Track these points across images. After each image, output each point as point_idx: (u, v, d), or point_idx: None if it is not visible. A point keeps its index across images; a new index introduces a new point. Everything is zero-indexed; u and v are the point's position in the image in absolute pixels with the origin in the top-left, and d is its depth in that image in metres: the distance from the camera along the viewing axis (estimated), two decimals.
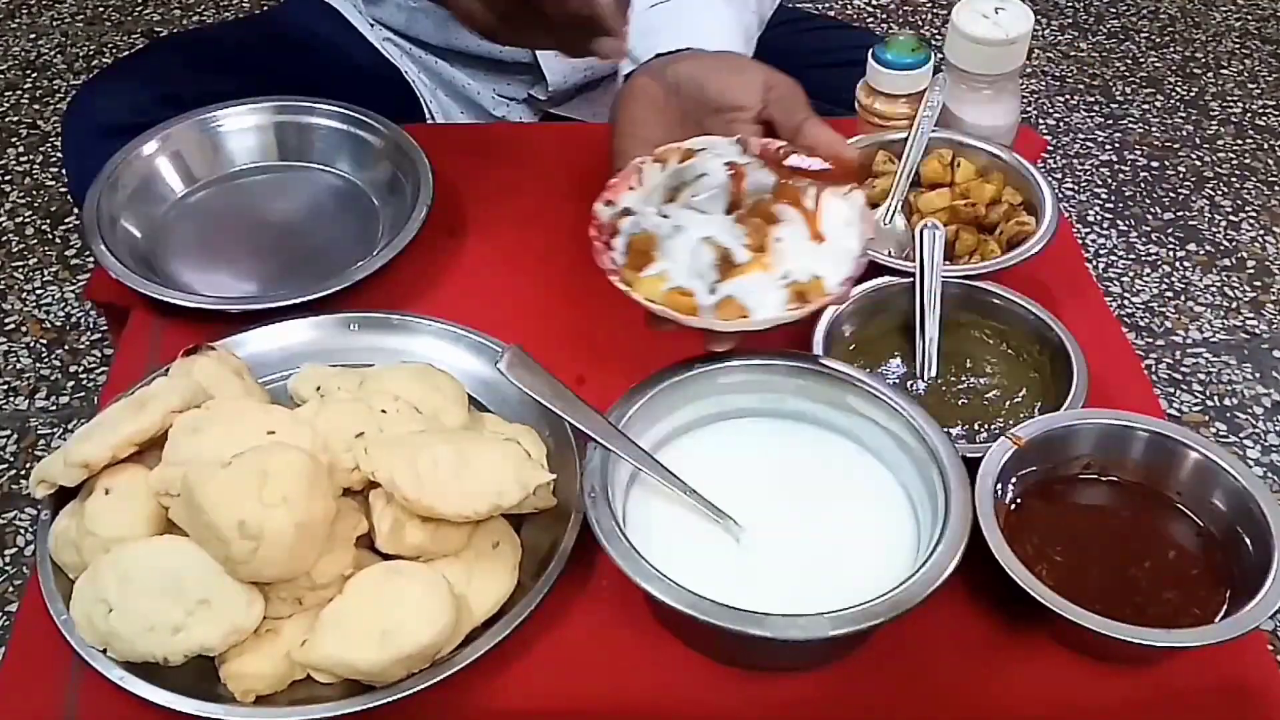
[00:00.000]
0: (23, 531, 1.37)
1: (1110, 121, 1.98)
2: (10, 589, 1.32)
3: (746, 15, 0.88)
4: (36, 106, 1.96)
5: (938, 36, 2.04)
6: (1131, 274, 1.72)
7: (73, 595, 0.63)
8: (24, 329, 1.61)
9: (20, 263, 1.70)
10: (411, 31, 1.06)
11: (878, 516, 0.67)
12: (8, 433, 1.48)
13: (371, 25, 1.08)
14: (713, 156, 0.73)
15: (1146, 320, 1.65)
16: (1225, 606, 0.64)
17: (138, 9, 2.18)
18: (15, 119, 1.94)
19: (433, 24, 1.04)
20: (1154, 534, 0.68)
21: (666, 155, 0.73)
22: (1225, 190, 1.85)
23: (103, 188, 0.88)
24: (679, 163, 0.73)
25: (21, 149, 1.88)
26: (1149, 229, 1.79)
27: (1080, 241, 1.72)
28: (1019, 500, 0.68)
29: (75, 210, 1.63)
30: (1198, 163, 1.90)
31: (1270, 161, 1.90)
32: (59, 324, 1.61)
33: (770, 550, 0.66)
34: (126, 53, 2.00)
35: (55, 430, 1.48)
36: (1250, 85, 2.05)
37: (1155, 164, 1.89)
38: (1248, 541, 0.65)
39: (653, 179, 0.73)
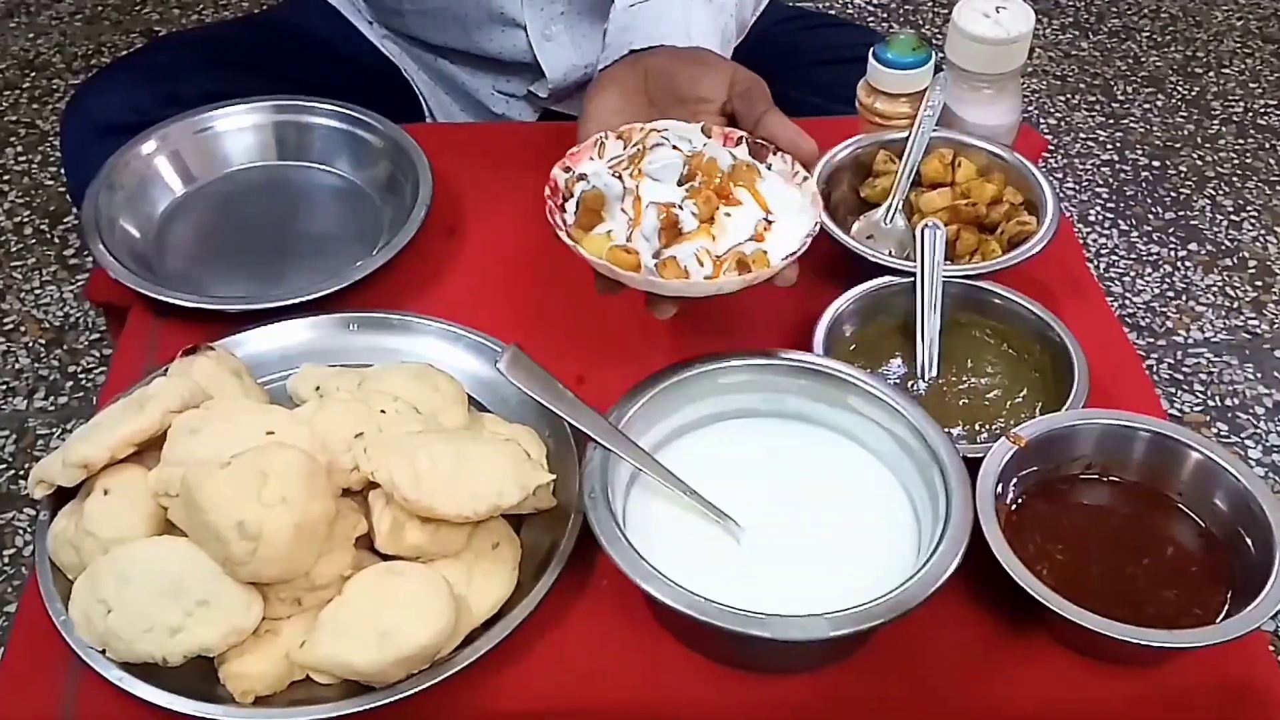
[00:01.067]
0: (21, 532, 1.37)
1: (1111, 121, 1.97)
2: (9, 589, 1.32)
3: (723, 18, 0.90)
4: (35, 106, 1.96)
5: (939, 36, 2.04)
6: (1133, 274, 1.72)
7: (71, 596, 0.63)
8: (22, 329, 1.61)
9: (19, 262, 1.70)
10: (412, 31, 1.06)
11: (878, 517, 0.67)
12: (6, 433, 1.48)
13: (370, 24, 1.08)
14: (675, 137, 0.76)
15: (1148, 320, 1.65)
16: (1226, 607, 0.63)
17: (136, 8, 2.18)
18: (14, 118, 1.94)
19: (434, 21, 1.04)
20: (1155, 534, 0.67)
21: (629, 133, 0.76)
22: (1227, 190, 1.85)
23: (101, 187, 0.88)
24: (642, 138, 0.75)
25: (20, 148, 1.88)
26: (1150, 229, 1.79)
27: (1081, 241, 1.72)
28: (1020, 500, 0.68)
29: (74, 210, 1.63)
30: (1199, 162, 1.89)
31: (1272, 161, 1.90)
32: (57, 324, 1.61)
33: (770, 550, 0.65)
34: (125, 52, 2.00)
35: (54, 430, 1.48)
36: (1252, 85, 2.05)
37: (1156, 163, 1.89)
38: (1249, 542, 0.65)
39: (613, 153, 0.76)
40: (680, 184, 0.73)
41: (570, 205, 0.73)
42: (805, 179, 0.75)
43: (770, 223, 0.72)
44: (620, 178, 0.73)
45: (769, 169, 0.76)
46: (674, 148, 0.75)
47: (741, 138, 0.77)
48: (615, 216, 0.72)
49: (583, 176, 0.74)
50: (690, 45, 0.83)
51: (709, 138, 0.77)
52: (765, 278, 0.70)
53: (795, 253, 0.71)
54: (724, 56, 0.84)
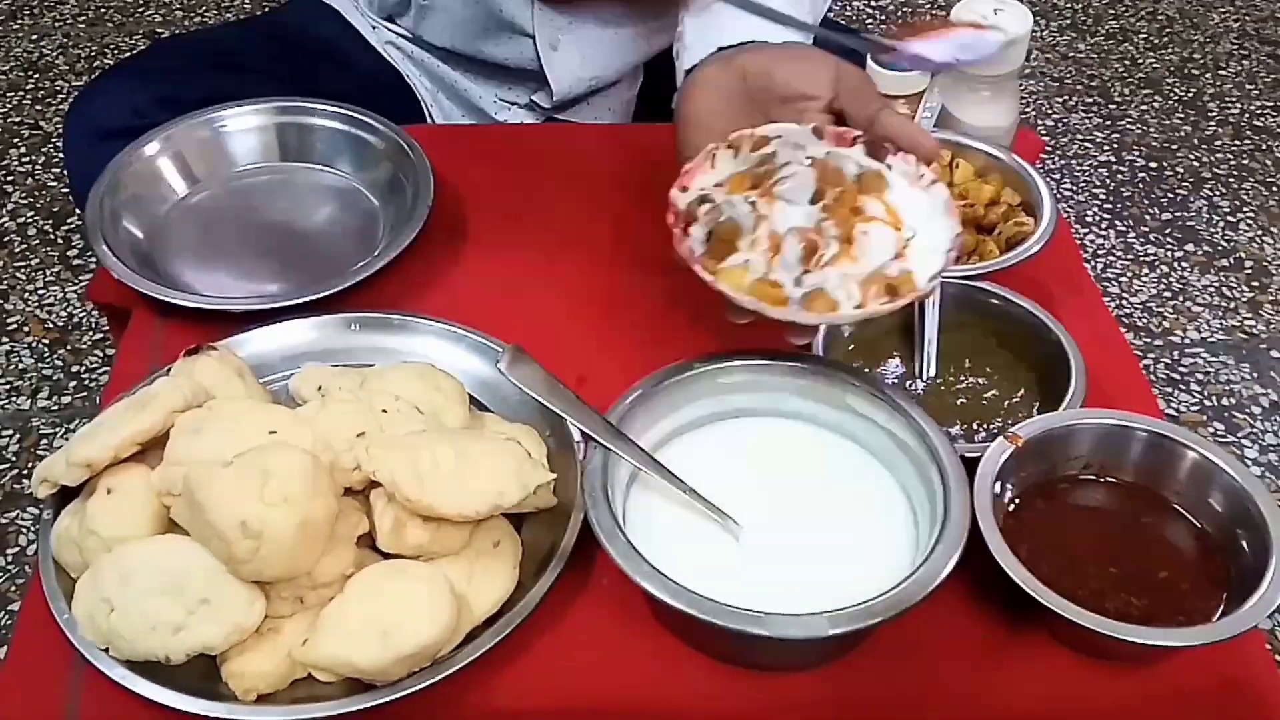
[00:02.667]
0: (25, 531, 1.37)
1: (1109, 122, 1.98)
2: (12, 588, 1.32)
3: (803, 7, 0.84)
4: (39, 107, 1.96)
5: None
6: (1130, 274, 1.72)
7: (75, 594, 0.63)
8: (26, 329, 1.61)
9: (23, 263, 1.70)
10: (418, 32, 1.06)
11: (877, 516, 0.68)
12: (10, 432, 1.48)
13: (374, 28, 1.08)
14: (789, 145, 0.71)
15: (1145, 320, 1.66)
16: (1223, 606, 0.64)
17: (140, 10, 2.18)
18: (17, 120, 1.94)
19: (441, 25, 1.04)
20: (1152, 534, 0.68)
21: (739, 141, 0.71)
22: (1223, 191, 1.85)
23: (104, 188, 0.88)
24: (751, 150, 0.71)
25: (24, 150, 1.88)
26: (1147, 229, 1.79)
27: (1079, 242, 1.72)
28: (1018, 500, 0.68)
29: (77, 211, 1.63)
30: (1196, 163, 1.90)
31: (1268, 162, 1.90)
32: (61, 324, 1.61)
33: (770, 549, 0.66)
34: (128, 54, 2.00)
35: (57, 430, 1.48)
36: (1248, 86, 2.05)
37: (1153, 164, 1.90)
38: (1245, 541, 0.65)
39: (726, 166, 0.71)
40: (812, 202, 0.68)
41: (696, 232, 0.68)
42: (934, 182, 0.69)
43: (909, 239, 0.67)
44: (753, 204, 0.68)
45: (891, 173, 0.70)
46: (806, 159, 0.69)
47: (856, 138, 0.71)
48: (749, 244, 0.67)
49: (704, 199, 0.69)
50: (783, 40, 0.77)
51: (821, 139, 0.71)
52: (912, 300, 0.66)
53: (940, 271, 0.66)
54: (819, 49, 0.78)
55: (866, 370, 0.72)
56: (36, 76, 2.03)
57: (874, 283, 0.65)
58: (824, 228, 0.66)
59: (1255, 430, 1.51)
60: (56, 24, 2.15)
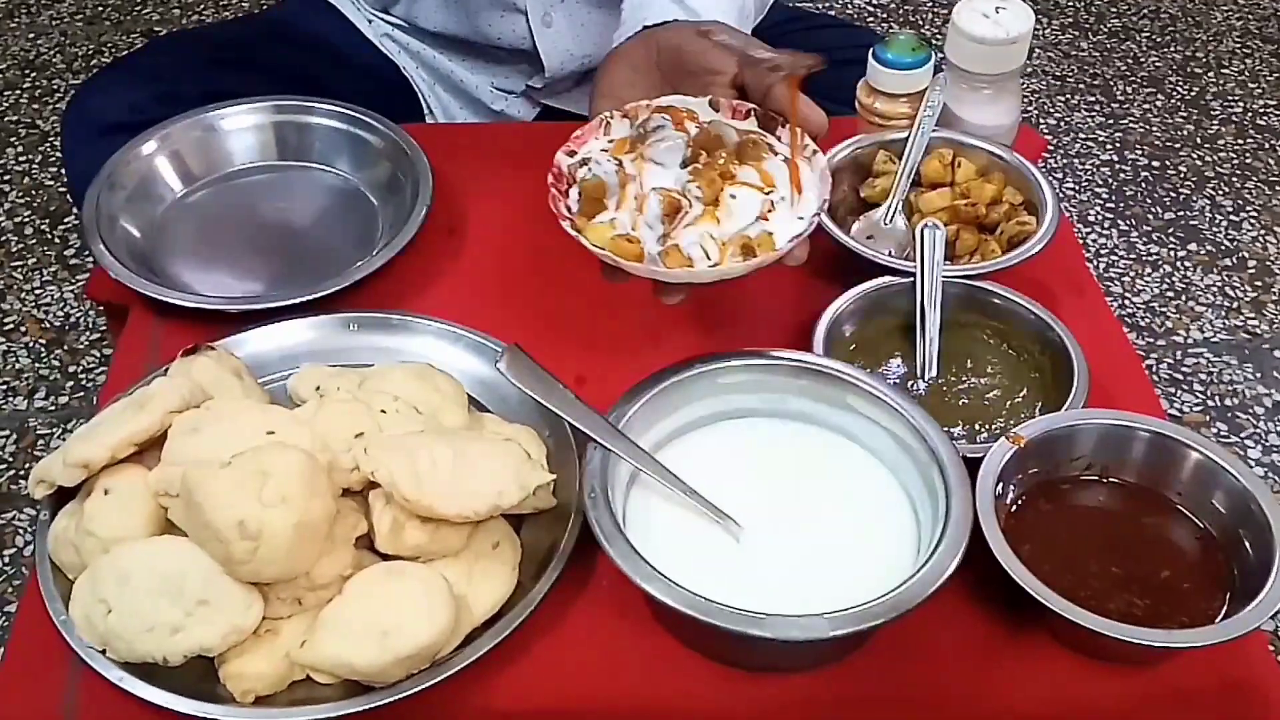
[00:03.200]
0: (22, 532, 1.37)
1: (1111, 121, 1.97)
2: (9, 589, 1.32)
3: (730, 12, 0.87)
4: (36, 106, 1.96)
5: (938, 36, 2.04)
6: (1132, 274, 1.72)
7: (72, 595, 0.63)
8: (23, 329, 1.61)
9: (19, 262, 1.70)
10: (412, 16, 1.06)
11: (878, 517, 0.67)
12: (7, 433, 1.48)
13: (370, 21, 1.08)
14: (683, 112, 0.74)
15: (1147, 320, 1.65)
16: (1226, 607, 0.64)
17: (137, 8, 2.18)
18: (14, 118, 1.94)
19: (434, 5, 1.04)
20: (1155, 534, 0.68)
21: (635, 111, 0.75)
22: (1226, 190, 1.85)
23: (102, 187, 0.88)
24: (648, 116, 0.74)
25: (20, 149, 1.88)
26: (1150, 229, 1.79)
27: (1081, 241, 1.72)
28: (1020, 500, 0.68)
29: (74, 210, 1.63)
30: (1199, 162, 1.89)
31: (1271, 161, 1.90)
32: (58, 324, 1.61)
33: (770, 550, 0.66)
34: (126, 52, 2.00)
35: (54, 430, 1.48)
36: (1251, 85, 2.05)
37: (1156, 164, 1.89)
38: (1248, 542, 0.65)
39: (619, 133, 0.74)
40: (684, 165, 0.72)
41: (573, 192, 0.72)
42: (815, 153, 0.73)
43: (776, 202, 0.70)
44: (622, 163, 0.72)
45: (778, 143, 0.74)
46: (677, 127, 0.72)
47: (750, 110, 0.75)
48: (619, 203, 0.71)
49: (584, 161, 0.73)
50: (702, 19, 0.81)
51: (717, 111, 0.75)
52: (771, 261, 0.69)
53: (801, 234, 0.69)
54: (736, 28, 0.82)
55: (867, 370, 0.72)
56: (34, 75, 2.02)
57: (733, 243, 0.68)
58: (688, 189, 0.70)
59: (1258, 430, 1.51)
60: (54, 22, 2.14)
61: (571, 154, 0.74)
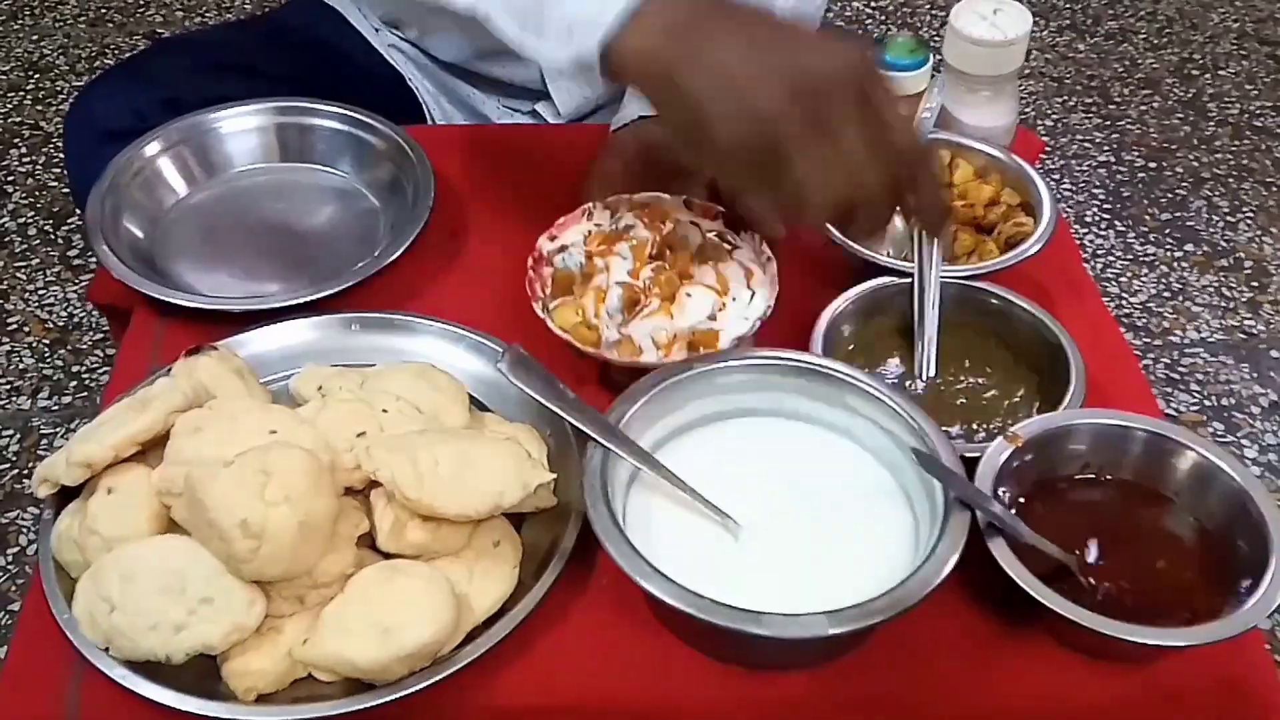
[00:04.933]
0: (25, 531, 1.38)
1: (1108, 122, 1.98)
2: (13, 588, 1.32)
3: None
4: (39, 108, 1.96)
5: (936, 38, 2.05)
6: (1129, 274, 1.72)
7: (75, 594, 0.63)
8: (27, 329, 1.61)
9: (23, 263, 1.70)
10: (423, 44, 1.07)
11: (876, 515, 0.68)
12: (10, 432, 1.48)
13: (376, 30, 1.08)
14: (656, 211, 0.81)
15: (1144, 320, 1.66)
16: (1223, 606, 0.64)
17: (140, 11, 2.18)
18: (18, 120, 1.94)
19: (445, 44, 1.04)
20: (1152, 533, 0.68)
21: (617, 204, 0.81)
22: (1223, 191, 1.85)
23: (105, 189, 0.88)
24: (627, 211, 0.81)
25: (24, 150, 1.88)
26: (1147, 229, 1.79)
27: (1078, 242, 1.72)
28: (1017, 500, 0.68)
29: (78, 211, 1.63)
30: (1195, 163, 1.90)
31: (1268, 162, 1.90)
32: (61, 324, 1.62)
33: (769, 549, 0.66)
34: (129, 54, 2.00)
35: (58, 430, 1.48)
36: (1248, 86, 2.05)
37: (1153, 165, 1.90)
38: (1244, 541, 0.65)
39: (598, 221, 0.81)
40: (651, 259, 0.78)
41: (545, 273, 0.79)
42: (769, 260, 0.78)
43: (728, 303, 0.76)
44: (591, 256, 0.78)
45: (737, 249, 0.79)
46: (649, 226, 0.79)
47: (719, 212, 0.81)
48: (584, 291, 0.77)
49: (563, 248, 0.79)
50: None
51: (690, 210, 0.81)
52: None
53: (743, 335, 0.74)
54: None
55: (867, 370, 0.72)
56: (37, 77, 2.03)
57: (682, 339, 0.74)
58: (648, 285, 0.76)
59: (1254, 430, 1.51)
60: (57, 24, 2.15)
61: (552, 238, 0.80)
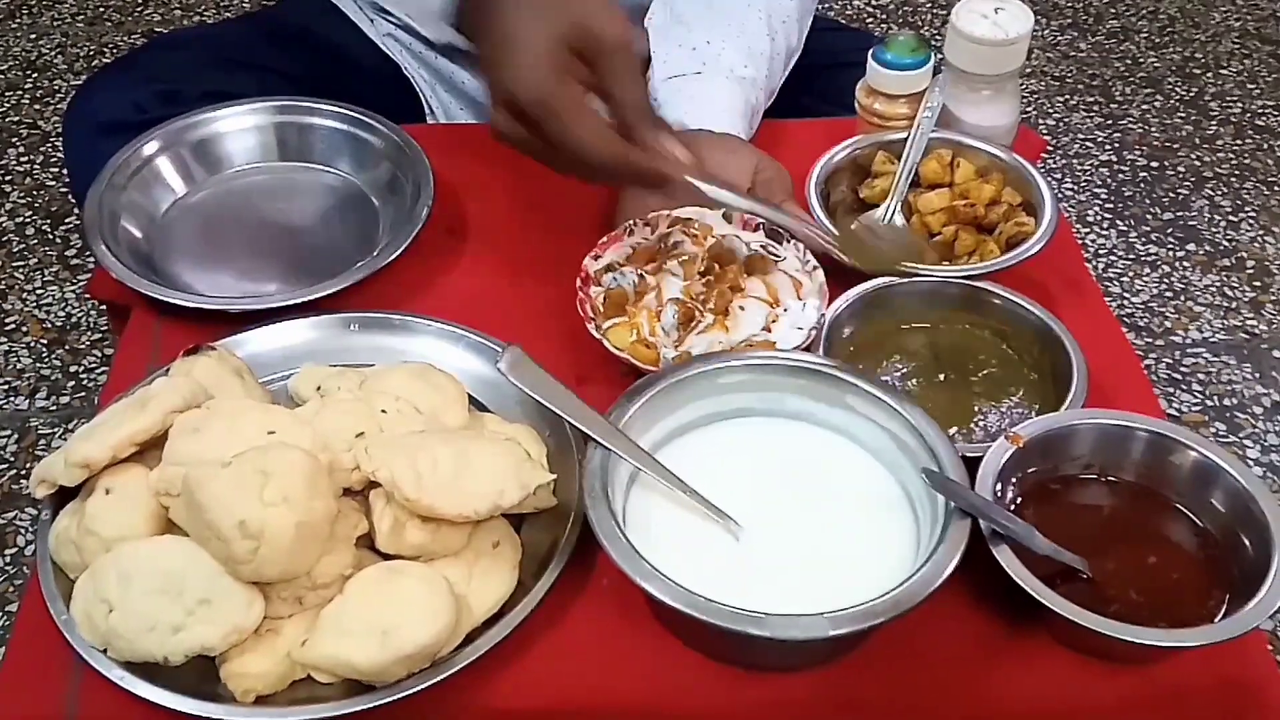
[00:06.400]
0: (23, 531, 1.37)
1: (1110, 122, 1.98)
2: (11, 589, 1.32)
3: (754, 94, 0.92)
4: (37, 107, 1.96)
5: (937, 37, 2.04)
6: (1131, 274, 1.72)
7: (73, 595, 0.63)
8: (24, 329, 1.61)
9: (21, 263, 1.70)
10: (412, 23, 1.06)
11: (877, 516, 0.68)
12: (8, 433, 1.48)
13: (371, 21, 1.08)
14: (698, 225, 0.81)
15: (1146, 320, 1.66)
16: (1225, 606, 0.64)
17: (138, 9, 2.18)
18: (16, 119, 1.94)
19: (434, 19, 1.04)
20: (1153, 534, 0.68)
21: (657, 220, 0.81)
22: (1225, 190, 1.85)
23: (103, 187, 0.88)
24: (667, 228, 0.81)
25: (22, 149, 1.88)
26: (1148, 229, 1.79)
27: (1080, 241, 1.72)
28: (1018, 500, 0.68)
29: (76, 210, 1.64)
30: (1197, 163, 1.90)
31: (1270, 161, 1.90)
32: (59, 324, 1.61)
33: (770, 550, 0.66)
34: (127, 52, 2.00)
35: (56, 430, 1.48)
36: (1250, 85, 2.05)
37: (1155, 164, 1.90)
38: (1247, 541, 0.65)
39: (640, 238, 0.81)
40: (701, 275, 0.78)
41: (595, 292, 0.78)
42: (815, 268, 0.78)
43: (780, 314, 0.77)
44: (643, 275, 0.78)
45: (782, 259, 0.80)
46: (693, 241, 0.79)
47: (760, 224, 0.81)
48: (638, 309, 0.77)
49: (609, 267, 0.79)
50: (722, 131, 0.86)
51: (729, 224, 0.81)
52: None
53: (800, 345, 0.75)
54: (747, 142, 0.87)
55: (867, 370, 0.72)
56: (35, 75, 2.03)
57: (737, 350, 0.74)
58: (701, 300, 0.77)
59: (1257, 430, 1.51)
60: (55, 23, 2.15)
61: (597, 258, 0.80)
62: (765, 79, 0.94)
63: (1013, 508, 0.67)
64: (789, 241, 0.80)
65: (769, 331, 0.76)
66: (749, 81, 0.91)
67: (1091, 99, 2.02)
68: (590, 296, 0.78)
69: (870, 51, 0.89)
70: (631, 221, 0.81)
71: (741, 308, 0.77)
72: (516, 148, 0.76)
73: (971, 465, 0.66)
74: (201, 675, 0.62)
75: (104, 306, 1.43)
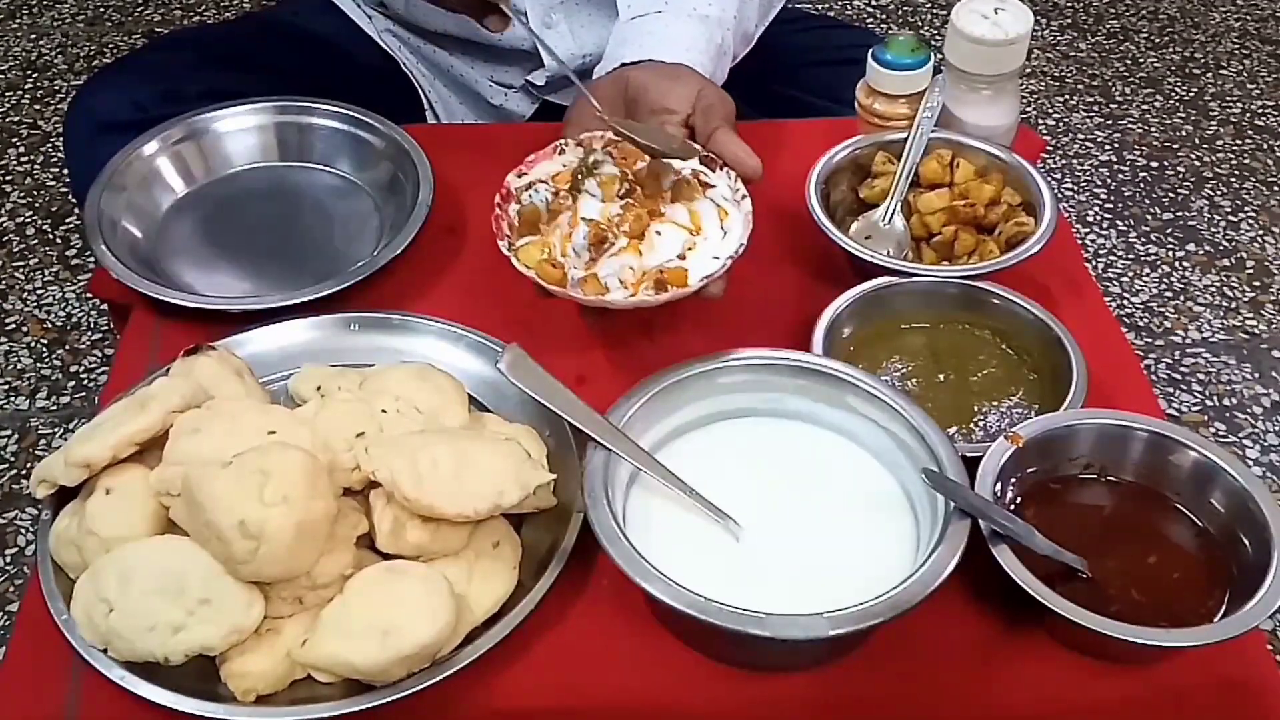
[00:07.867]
0: (24, 531, 1.37)
1: (1109, 122, 1.98)
2: (11, 589, 1.32)
3: (719, 33, 0.92)
4: (37, 107, 1.96)
5: (937, 37, 2.04)
6: (1131, 274, 1.72)
7: (73, 595, 0.63)
8: (25, 329, 1.61)
9: (21, 263, 1.70)
10: (411, 16, 1.07)
11: (877, 516, 0.68)
12: (8, 433, 1.48)
13: (370, 18, 1.08)
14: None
15: (1146, 320, 1.65)
16: (1224, 606, 0.64)
17: (138, 9, 2.18)
18: (16, 119, 1.94)
19: (433, 11, 1.04)
20: (1153, 534, 0.68)
21: (590, 141, 0.80)
22: (1224, 190, 1.85)
23: (104, 188, 0.88)
24: (602, 151, 0.79)
25: (22, 149, 1.88)
26: (1148, 229, 1.79)
27: (1080, 241, 1.72)
28: (1018, 500, 0.68)
29: (76, 210, 1.63)
30: (1197, 163, 1.90)
31: (1269, 162, 1.90)
32: (60, 324, 1.61)
33: (770, 550, 0.66)
34: (127, 53, 2.00)
35: (56, 430, 1.48)
36: (1249, 85, 2.05)
37: (1154, 164, 1.89)
38: (1247, 541, 0.65)
39: (570, 159, 0.79)
40: (622, 197, 0.76)
41: (511, 210, 0.77)
42: (744, 197, 0.77)
43: (699, 242, 0.75)
44: (559, 191, 0.77)
45: (712, 186, 0.78)
46: (620, 163, 0.78)
47: (696, 151, 0.80)
48: (554, 228, 0.76)
49: (531, 184, 0.78)
50: (675, 61, 0.87)
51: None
52: (682, 296, 0.73)
53: (713, 274, 0.73)
54: (699, 72, 0.87)
55: (867, 370, 0.72)
56: (35, 76, 2.02)
57: (649, 276, 0.73)
58: (615, 222, 0.74)
59: (1256, 430, 1.51)
60: (55, 23, 2.15)
61: (521, 175, 0.79)
62: (734, 20, 0.94)
63: (1012, 508, 0.67)
64: (722, 169, 0.79)
65: (683, 259, 0.74)
66: (713, 20, 0.92)
67: (1091, 99, 2.02)
68: (507, 214, 0.76)
69: (870, 51, 0.89)
70: (563, 140, 0.80)
71: (659, 233, 0.75)
72: None
73: (971, 465, 0.66)
74: (202, 675, 0.62)
75: (104, 306, 1.43)
